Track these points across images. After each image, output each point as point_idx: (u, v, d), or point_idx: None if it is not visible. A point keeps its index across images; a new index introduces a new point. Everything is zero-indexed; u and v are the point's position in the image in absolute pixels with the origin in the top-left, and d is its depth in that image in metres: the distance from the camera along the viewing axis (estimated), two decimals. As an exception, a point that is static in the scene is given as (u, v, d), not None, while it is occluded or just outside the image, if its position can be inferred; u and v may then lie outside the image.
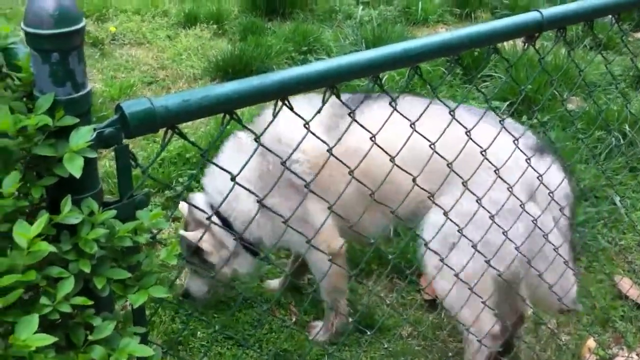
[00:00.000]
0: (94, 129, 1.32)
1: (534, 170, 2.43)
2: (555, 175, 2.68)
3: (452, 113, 1.95)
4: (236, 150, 2.94)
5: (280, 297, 3.47)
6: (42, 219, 1.19)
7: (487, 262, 2.48)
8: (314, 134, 1.69)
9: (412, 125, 1.87)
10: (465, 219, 2.48)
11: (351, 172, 1.82)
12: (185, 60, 6.05)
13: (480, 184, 2.37)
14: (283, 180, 2.78)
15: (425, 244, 2.42)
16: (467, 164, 2.24)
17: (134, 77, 5.71)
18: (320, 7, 7.38)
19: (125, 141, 1.39)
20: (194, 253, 3.00)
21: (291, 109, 1.61)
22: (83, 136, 1.26)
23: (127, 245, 1.33)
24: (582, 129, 4.72)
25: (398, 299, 3.51)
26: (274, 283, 3.58)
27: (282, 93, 1.58)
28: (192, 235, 2.95)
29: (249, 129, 1.63)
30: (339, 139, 1.81)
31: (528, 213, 2.47)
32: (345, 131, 1.80)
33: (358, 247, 3.67)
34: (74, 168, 1.22)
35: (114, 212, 1.32)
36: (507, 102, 4.96)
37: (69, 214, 1.24)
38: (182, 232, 3.02)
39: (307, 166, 2.79)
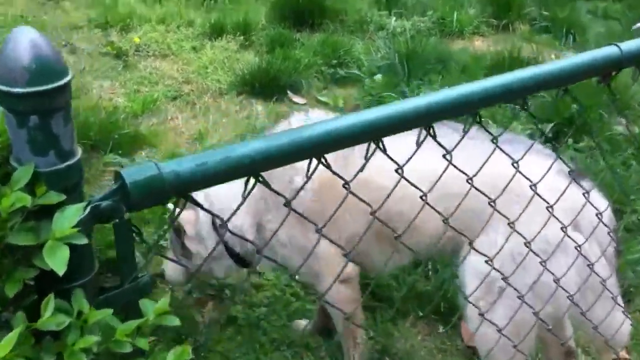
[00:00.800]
0: (89, 202, 1.07)
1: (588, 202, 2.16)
2: (596, 201, 2.39)
3: (515, 165, 1.67)
4: None
5: (308, 341, 3.19)
6: (14, 334, 0.93)
7: (536, 314, 2.22)
8: (355, 195, 1.43)
9: (470, 180, 1.59)
10: (508, 260, 2.22)
11: (373, 213, 1.56)
12: (210, 74, 5.80)
13: (519, 220, 2.07)
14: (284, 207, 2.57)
15: (475, 306, 2.14)
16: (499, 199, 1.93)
17: (157, 91, 5.46)
18: (351, 18, 7.06)
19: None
20: (177, 233, 2.72)
21: (328, 167, 1.35)
22: (70, 218, 1.01)
23: (126, 351, 1.07)
24: (634, 154, 4.38)
25: (437, 344, 3.21)
26: (303, 323, 3.31)
27: (317, 151, 1.31)
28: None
29: (277, 192, 1.36)
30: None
31: (578, 248, 2.19)
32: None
33: (394, 284, 3.40)
34: (57, 262, 0.97)
35: (109, 312, 1.06)
36: (552, 124, 4.63)
37: (50, 319, 0.98)
38: (171, 205, 2.78)
39: (311, 194, 2.52)
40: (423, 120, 1.43)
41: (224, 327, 3.24)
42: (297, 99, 5.46)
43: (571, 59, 1.67)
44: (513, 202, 2.09)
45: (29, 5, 6.89)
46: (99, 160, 4.34)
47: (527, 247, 1.97)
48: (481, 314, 2.07)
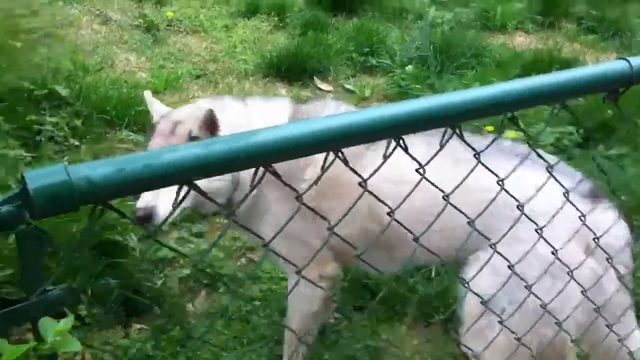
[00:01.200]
0: (-17, 206, 0.96)
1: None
2: (612, 222, 2.20)
3: (500, 184, 1.51)
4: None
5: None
6: None
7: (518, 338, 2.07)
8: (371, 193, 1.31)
9: (446, 197, 1.44)
10: (511, 280, 2.07)
11: (331, 228, 1.41)
12: (239, 54, 5.69)
13: (523, 238, 1.93)
14: (284, 188, 2.44)
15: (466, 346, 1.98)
16: (497, 216, 1.90)
17: (182, 68, 5.38)
18: (391, 5, 6.88)
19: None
20: None
21: (276, 175, 1.22)
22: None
23: (14, 378, 0.96)
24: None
25: (432, 350, 3.06)
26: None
27: (263, 160, 1.18)
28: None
29: (217, 203, 1.24)
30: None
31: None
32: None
33: (394, 285, 3.26)
34: None
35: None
36: (582, 129, 4.39)
37: None
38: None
39: (313, 190, 2.41)
40: (391, 132, 1.28)
41: (214, 318, 3.14)
42: (323, 85, 5.32)
43: (574, 72, 1.49)
44: (521, 223, 1.92)
45: (67, -28, 6.88)
46: (113, 136, 4.28)
47: (511, 269, 1.81)
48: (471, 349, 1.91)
